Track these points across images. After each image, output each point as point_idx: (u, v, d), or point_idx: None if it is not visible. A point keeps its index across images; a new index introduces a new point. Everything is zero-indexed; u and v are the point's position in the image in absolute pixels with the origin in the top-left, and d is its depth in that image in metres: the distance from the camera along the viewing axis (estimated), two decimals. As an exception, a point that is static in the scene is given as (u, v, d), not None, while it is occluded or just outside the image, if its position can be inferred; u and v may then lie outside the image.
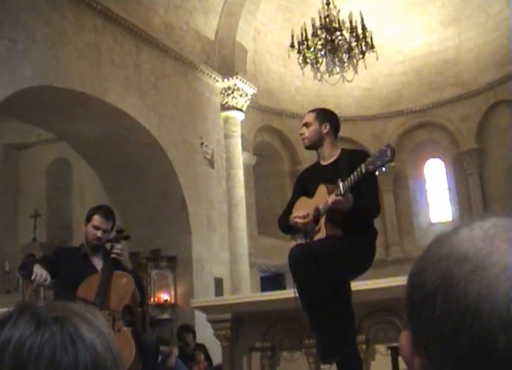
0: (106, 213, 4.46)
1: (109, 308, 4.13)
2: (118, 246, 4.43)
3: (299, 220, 3.69)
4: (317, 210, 3.65)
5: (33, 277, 3.99)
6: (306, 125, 3.91)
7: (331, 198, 3.48)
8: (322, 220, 3.62)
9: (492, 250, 0.61)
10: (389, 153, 3.31)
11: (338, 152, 3.90)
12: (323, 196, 3.62)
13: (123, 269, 4.37)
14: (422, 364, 0.65)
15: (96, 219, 4.38)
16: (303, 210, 3.76)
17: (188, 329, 8.96)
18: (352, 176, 3.43)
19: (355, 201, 3.49)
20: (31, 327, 0.78)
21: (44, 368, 0.76)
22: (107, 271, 4.27)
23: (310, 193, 3.82)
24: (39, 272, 4.01)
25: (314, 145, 3.92)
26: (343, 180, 3.47)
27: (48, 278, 4.05)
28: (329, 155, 3.88)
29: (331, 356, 3.38)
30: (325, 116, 3.96)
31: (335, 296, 3.40)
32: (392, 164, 3.39)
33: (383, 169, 3.36)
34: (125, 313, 4.24)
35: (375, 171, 3.37)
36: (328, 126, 3.89)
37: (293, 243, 3.87)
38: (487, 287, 0.59)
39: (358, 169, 3.41)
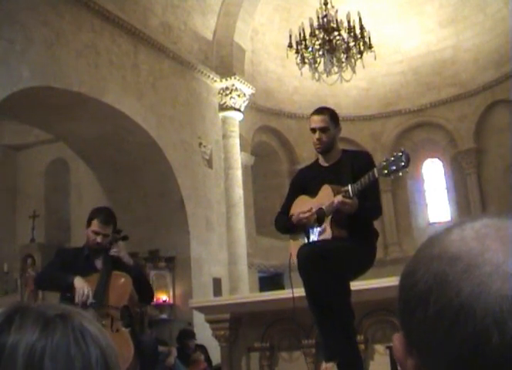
0: (106, 217, 4.37)
1: (108, 309, 4.13)
2: (114, 249, 4.40)
3: (302, 215, 3.66)
4: (321, 210, 3.63)
5: (76, 299, 3.94)
6: (323, 130, 3.73)
7: (338, 199, 3.45)
8: (328, 221, 3.60)
9: (484, 249, 0.61)
10: (404, 159, 3.23)
11: (339, 153, 3.86)
12: (327, 197, 3.58)
13: (125, 267, 4.35)
14: (415, 366, 0.65)
15: (95, 224, 4.31)
16: (304, 208, 3.74)
17: (189, 335, 8.77)
18: (362, 180, 3.38)
19: (359, 204, 3.47)
20: (37, 329, 0.78)
21: (62, 367, 0.75)
22: (105, 272, 4.26)
23: (310, 193, 3.79)
24: (80, 292, 3.97)
25: (328, 149, 3.79)
26: (352, 183, 3.43)
27: (91, 295, 4.01)
28: (333, 156, 3.83)
29: (334, 355, 3.38)
30: (337, 117, 3.84)
31: (340, 295, 3.40)
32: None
33: (398, 174, 3.29)
34: (123, 313, 4.24)
35: (388, 176, 3.31)
36: (340, 129, 3.85)
37: (292, 243, 3.85)
38: (480, 285, 0.59)
39: (370, 173, 3.35)
